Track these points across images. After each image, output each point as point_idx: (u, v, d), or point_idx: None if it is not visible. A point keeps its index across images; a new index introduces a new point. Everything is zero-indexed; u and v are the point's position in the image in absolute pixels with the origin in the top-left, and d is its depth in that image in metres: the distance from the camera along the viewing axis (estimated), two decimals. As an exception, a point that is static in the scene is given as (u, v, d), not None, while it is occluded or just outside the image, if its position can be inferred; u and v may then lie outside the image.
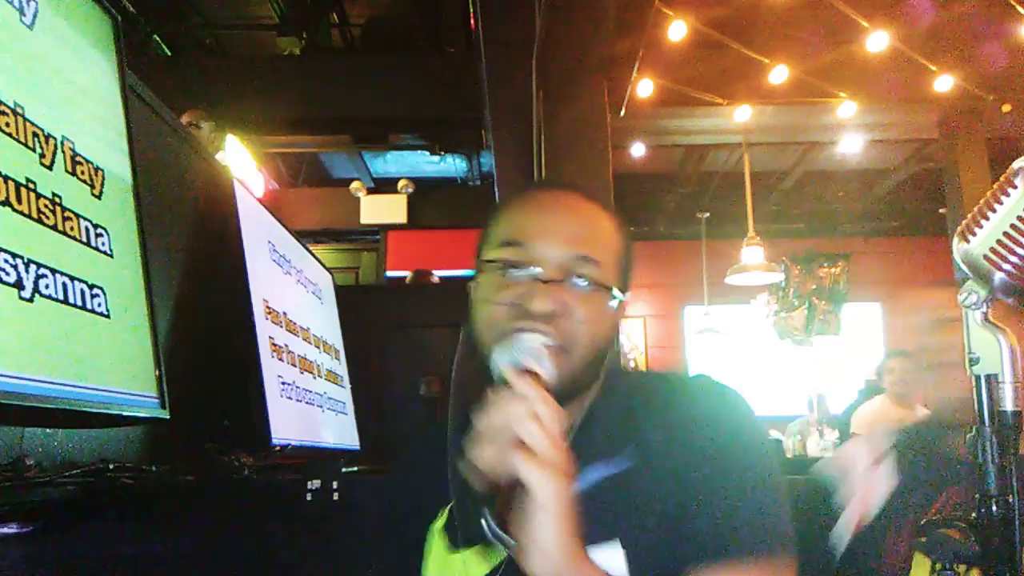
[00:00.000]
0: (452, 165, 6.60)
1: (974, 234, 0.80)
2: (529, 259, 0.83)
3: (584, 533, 0.71)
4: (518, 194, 0.92)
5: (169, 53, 5.23)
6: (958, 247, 0.82)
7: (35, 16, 1.18)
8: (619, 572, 0.77)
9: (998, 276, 0.78)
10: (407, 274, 5.50)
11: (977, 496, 0.77)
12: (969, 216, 0.82)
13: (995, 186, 0.80)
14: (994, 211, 0.78)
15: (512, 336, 0.79)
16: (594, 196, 0.90)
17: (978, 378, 0.80)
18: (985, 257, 0.79)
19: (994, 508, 0.76)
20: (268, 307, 1.99)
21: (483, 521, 0.68)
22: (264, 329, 1.89)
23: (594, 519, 0.76)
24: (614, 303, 0.85)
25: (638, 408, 0.86)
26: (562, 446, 0.69)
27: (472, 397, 0.78)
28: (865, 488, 1.28)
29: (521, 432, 0.68)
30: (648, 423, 0.84)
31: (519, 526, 0.67)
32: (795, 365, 7.23)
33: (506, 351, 0.77)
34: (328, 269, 2.88)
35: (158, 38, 5.07)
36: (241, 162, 4.79)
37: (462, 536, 0.81)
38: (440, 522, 0.86)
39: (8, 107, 1.08)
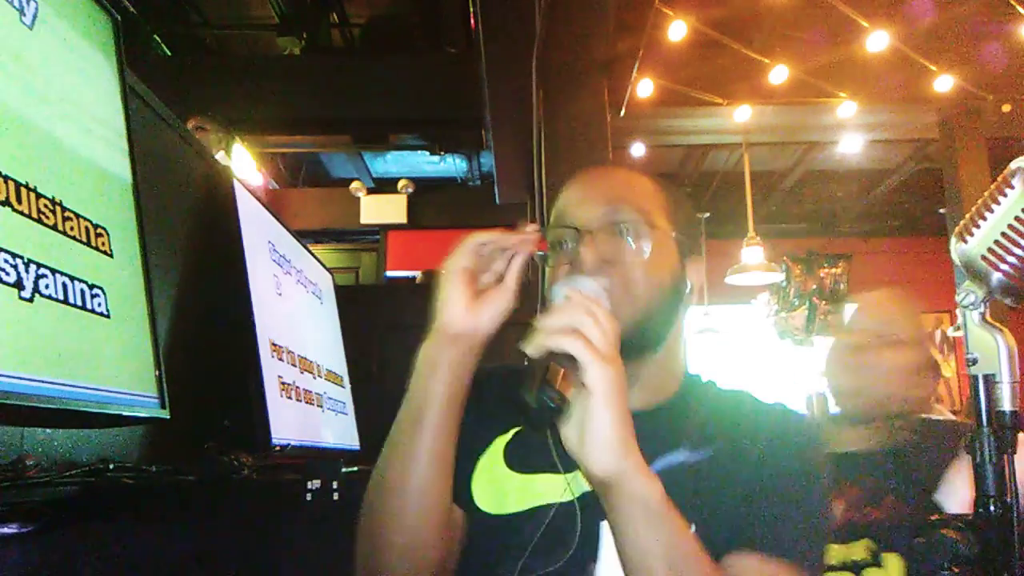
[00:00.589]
0: (452, 165, 6.60)
1: (972, 234, 0.80)
2: (569, 231, 0.87)
3: None
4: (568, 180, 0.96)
5: (169, 53, 5.23)
6: (956, 247, 0.83)
7: (35, 16, 1.18)
8: None
9: (996, 276, 0.79)
10: (407, 274, 5.50)
11: (975, 496, 0.78)
12: (967, 216, 0.82)
13: (992, 187, 0.80)
14: (992, 211, 0.79)
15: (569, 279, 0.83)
16: (624, 165, 0.96)
17: (975, 378, 0.80)
18: (983, 257, 0.79)
19: (992, 508, 0.76)
20: (268, 307, 1.99)
21: (540, 393, 0.68)
22: (264, 329, 1.89)
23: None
24: (668, 249, 0.89)
25: (727, 409, 0.91)
26: (616, 347, 0.71)
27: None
28: None
29: (580, 325, 0.70)
30: (734, 425, 0.88)
31: (574, 406, 0.70)
32: (795, 365, 7.23)
33: (564, 284, 0.81)
34: (328, 269, 2.88)
35: (158, 38, 5.07)
36: (241, 162, 4.79)
37: (525, 461, 0.86)
38: (502, 442, 0.90)
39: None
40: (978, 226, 0.79)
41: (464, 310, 0.79)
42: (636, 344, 0.84)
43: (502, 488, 0.89)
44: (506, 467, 0.90)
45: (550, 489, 0.86)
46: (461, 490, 0.87)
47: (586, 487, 0.82)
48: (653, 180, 0.95)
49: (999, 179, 0.80)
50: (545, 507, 0.85)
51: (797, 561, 0.79)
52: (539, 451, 0.88)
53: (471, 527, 0.89)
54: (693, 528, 0.79)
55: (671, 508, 0.72)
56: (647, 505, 0.70)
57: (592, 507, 0.80)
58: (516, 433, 0.92)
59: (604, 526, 0.81)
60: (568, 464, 0.82)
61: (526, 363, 0.71)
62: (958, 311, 0.84)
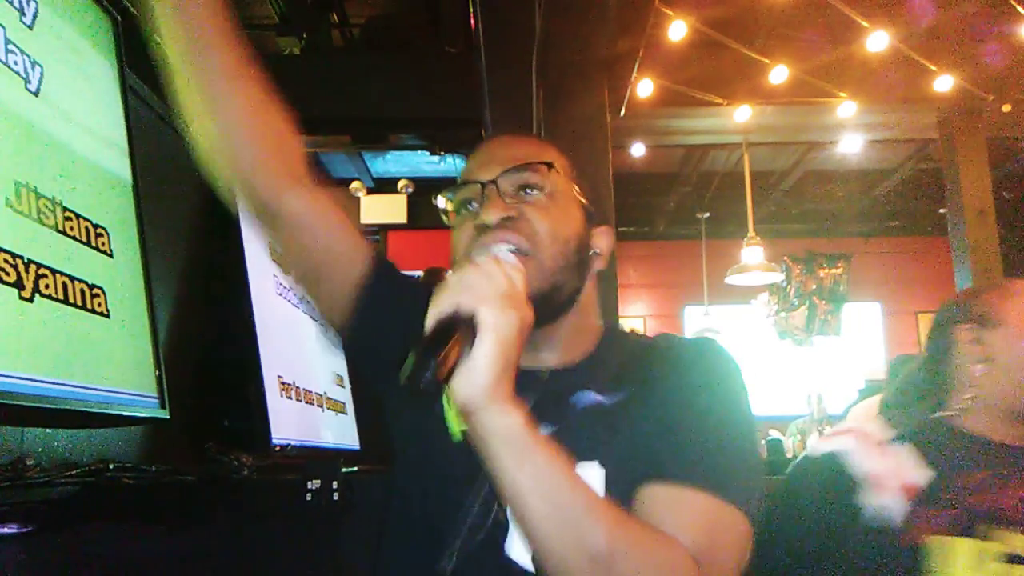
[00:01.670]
0: (452, 165, 6.60)
1: None
2: (474, 188, 0.89)
3: (569, 449, 0.73)
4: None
5: (169, 53, 5.22)
6: None
7: (35, 16, 1.18)
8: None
9: None
10: (407, 274, 5.49)
11: None
12: None
13: None
14: None
15: (479, 246, 0.84)
16: (529, 133, 0.98)
17: None
18: None
19: None
20: (268, 307, 1.99)
21: (417, 371, 0.65)
22: (264, 327, 1.89)
23: (579, 438, 0.80)
24: (572, 203, 0.91)
25: (643, 352, 0.91)
26: (520, 293, 0.72)
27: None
28: (895, 464, 1.25)
29: (481, 279, 0.70)
30: (648, 366, 0.88)
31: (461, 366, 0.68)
32: (795, 365, 7.23)
33: (475, 253, 0.82)
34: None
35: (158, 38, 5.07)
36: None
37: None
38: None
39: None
40: None
41: None
42: (548, 303, 0.85)
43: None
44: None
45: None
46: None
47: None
48: (557, 148, 0.95)
49: None
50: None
51: (714, 489, 0.76)
52: None
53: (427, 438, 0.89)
54: (605, 470, 0.79)
55: (539, 440, 0.70)
56: (508, 436, 0.68)
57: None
58: None
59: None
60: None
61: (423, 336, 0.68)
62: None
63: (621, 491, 0.77)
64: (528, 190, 0.88)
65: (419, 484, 0.91)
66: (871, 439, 1.29)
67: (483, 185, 0.87)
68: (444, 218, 0.94)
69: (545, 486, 0.68)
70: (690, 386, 0.84)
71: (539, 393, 0.84)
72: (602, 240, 0.95)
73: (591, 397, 0.85)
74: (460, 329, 0.68)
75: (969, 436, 1.27)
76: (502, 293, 0.70)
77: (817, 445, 1.38)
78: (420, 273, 5.34)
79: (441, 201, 0.93)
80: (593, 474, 0.80)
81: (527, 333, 0.71)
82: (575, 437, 0.79)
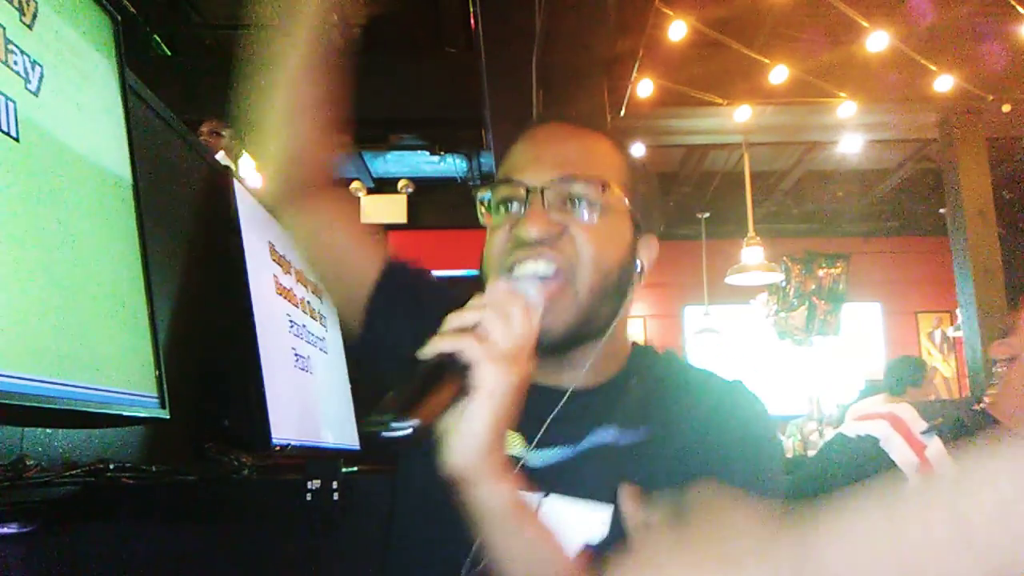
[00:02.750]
0: (452, 165, 6.60)
1: None
2: (518, 190, 0.80)
3: (576, 482, 0.72)
4: (523, 130, 0.88)
5: (169, 53, 5.23)
6: None
7: (35, 16, 1.18)
8: (579, 529, 0.76)
9: None
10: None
11: None
12: None
13: None
14: None
15: (509, 268, 0.77)
16: (590, 123, 0.88)
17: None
18: None
19: None
20: (268, 306, 1.99)
21: (386, 419, 0.61)
22: (264, 327, 1.89)
23: (588, 475, 0.77)
24: (621, 224, 0.82)
25: (668, 389, 0.84)
26: (525, 349, 0.67)
27: None
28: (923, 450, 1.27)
29: (485, 323, 0.65)
30: (675, 407, 0.82)
31: (451, 417, 0.64)
32: (795, 365, 7.23)
33: (506, 278, 0.74)
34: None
35: (158, 38, 5.07)
36: (240, 162, 4.79)
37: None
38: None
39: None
40: None
41: None
42: (580, 333, 0.79)
43: None
44: None
45: None
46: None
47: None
48: (615, 144, 0.87)
49: None
50: None
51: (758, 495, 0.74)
52: None
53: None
54: (612, 510, 0.76)
55: (526, 516, 0.68)
56: (496, 511, 0.66)
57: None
58: None
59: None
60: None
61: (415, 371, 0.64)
62: None
63: (623, 538, 0.75)
64: (578, 203, 0.79)
65: (418, 515, 0.87)
66: (903, 427, 1.30)
67: (528, 190, 0.79)
68: (480, 217, 0.84)
69: (531, 559, 0.67)
70: (717, 439, 0.78)
71: (557, 413, 0.80)
72: (647, 252, 0.87)
73: (607, 434, 0.80)
74: (453, 376, 0.63)
75: (999, 424, 1.31)
76: (513, 347, 0.65)
77: (852, 425, 1.39)
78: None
79: (480, 197, 0.83)
80: (599, 516, 0.77)
81: (523, 390, 0.67)
82: (584, 472, 0.77)
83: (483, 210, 0.83)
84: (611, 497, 0.76)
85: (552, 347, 0.78)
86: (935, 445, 1.27)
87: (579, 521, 0.75)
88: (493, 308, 0.67)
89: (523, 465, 0.78)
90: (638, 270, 0.87)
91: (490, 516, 0.67)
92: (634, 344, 0.92)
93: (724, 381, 0.86)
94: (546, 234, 0.77)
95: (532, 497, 0.73)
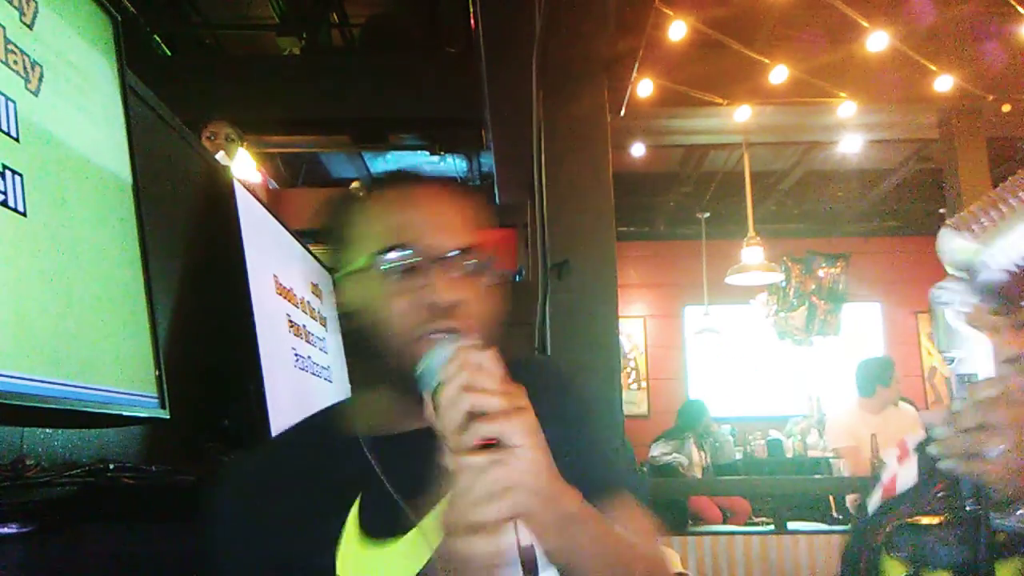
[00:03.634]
0: (452, 165, 6.60)
1: (974, 231, 0.79)
2: (421, 258, 0.83)
3: None
4: (366, 198, 0.90)
5: (169, 53, 5.23)
6: (954, 240, 0.80)
7: (35, 16, 1.18)
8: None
9: (993, 276, 0.77)
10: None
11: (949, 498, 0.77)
12: (976, 208, 0.80)
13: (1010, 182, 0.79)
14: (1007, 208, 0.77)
15: (428, 346, 0.79)
16: (440, 182, 0.93)
17: (957, 377, 0.79)
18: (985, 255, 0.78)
19: (967, 508, 0.76)
20: (268, 306, 1.99)
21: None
22: (264, 327, 1.89)
23: None
24: (497, 277, 0.89)
25: (537, 391, 0.87)
26: (511, 386, 0.72)
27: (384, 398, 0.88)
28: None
29: (474, 402, 0.69)
30: (543, 403, 0.83)
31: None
32: (795, 365, 7.22)
33: (431, 362, 0.76)
34: (328, 269, 2.88)
35: (158, 38, 5.07)
36: (241, 162, 4.79)
37: (387, 526, 0.82)
38: (352, 515, 0.84)
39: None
40: (989, 222, 0.78)
41: None
42: None
43: (366, 568, 0.83)
44: (365, 539, 0.84)
45: (411, 555, 0.81)
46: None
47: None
48: (470, 196, 0.92)
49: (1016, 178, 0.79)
50: None
51: (632, 489, 0.89)
52: (391, 512, 0.83)
53: None
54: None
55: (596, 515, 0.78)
56: (582, 520, 0.75)
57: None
58: (363, 498, 0.85)
59: None
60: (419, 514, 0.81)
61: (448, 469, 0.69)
62: (942, 309, 0.83)
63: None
64: (472, 271, 0.85)
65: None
66: (903, 447, 1.29)
67: (431, 259, 0.82)
68: (371, 283, 0.84)
69: (606, 550, 0.77)
70: (574, 411, 0.93)
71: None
72: (504, 280, 0.95)
73: None
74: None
75: None
76: (504, 401, 0.70)
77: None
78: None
79: (382, 265, 0.83)
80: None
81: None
82: None
83: (377, 276, 0.83)
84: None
85: None
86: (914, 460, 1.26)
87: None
88: (459, 381, 0.71)
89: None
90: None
91: (580, 526, 0.74)
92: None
93: (542, 361, 1.00)
94: (457, 299, 0.82)
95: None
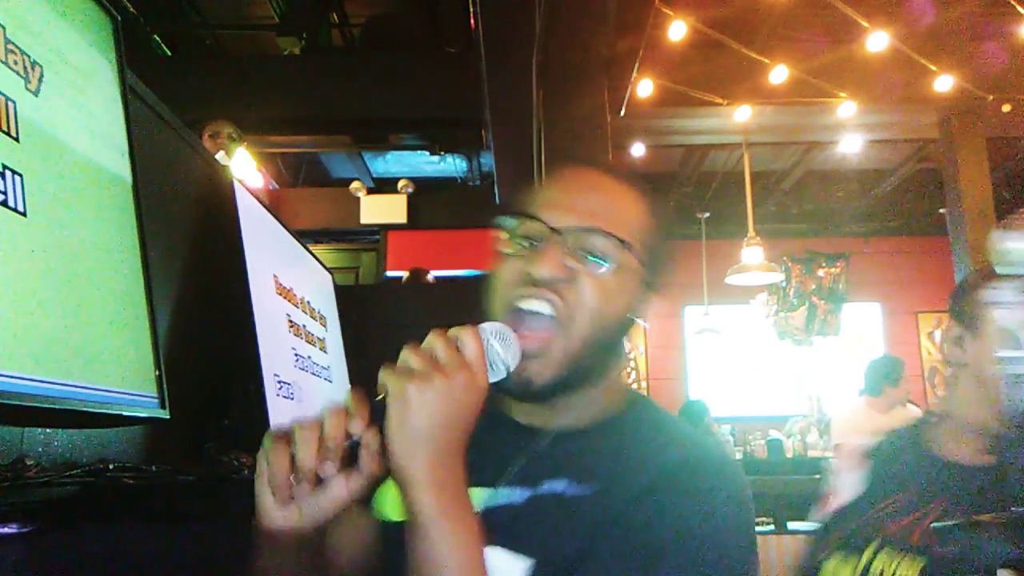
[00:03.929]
0: (452, 165, 6.60)
1: None
2: (541, 228, 0.80)
3: (503, 535, 0.73)
4: (563, 167, 0.90)
5: (169, 53, 5.23)
6: (1009, 240, 0.78)
7: (35, 16, 1.18)
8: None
9: None
10: (405, 274, 5.51)
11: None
12: None
13: None
14: None
15: (512, 301, 0.80)
16: (622, 174, 0.87)
17: (1011, 377, 0.77)
18: None
19: (1014, 509, 0.75)
20: (268, 306, 1.99)
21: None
22: (264, 327, 1.89)
23: (520, 526, 0.76)
24: (631, 283, 0.82)
25: (643, 442, 0.82)
26: (464, 360, 0.70)
27: None
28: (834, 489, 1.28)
29: (424, 350, 0.71)
30: (632, 460, 0.80)
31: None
32: (795, 365, 7.22)
33: (486, 329, 0.76)
34: (328, 269, 2.88)
35: (158, 38, 5.07)
36: (241, 162, 4.79)
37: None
38: None
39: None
40: None
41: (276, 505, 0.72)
42: (565, 381, 0.79)
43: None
44: None
45: None
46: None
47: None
48: (645, 202, 0.86)
49: None
50: None
51: None
52: None
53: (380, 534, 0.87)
54: (530, 562, 0.75)
55: (454, 524, 0.68)
56: (413, 519, 0.69)
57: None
58: None
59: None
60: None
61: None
62: (995, 309, 0.81)
63: None
64: (593, 254, 0.80)
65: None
66: (853, 455, 1.28)
67: (551, 231, 0.79)
68: (498, 243, 0.84)
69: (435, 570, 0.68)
70: (669, 497, 0.74)
71: (533, 454, 0.82)
72: (644, 312, 0.87)
73: (558, 484, 0.79)
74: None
75: (929, 455, 1.23)
76: (442, 354, 0.70)
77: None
78: (405, 274, 5.35)
79: (503, 225, 0.84)
80: (518, 567, 0.75)
81: (464, 411, 0.70)
82: (519, 521, 0.77)
83: (503, 237, 0.84)
84: (534, 551, 0.75)
85: (536, 393, 0.79)
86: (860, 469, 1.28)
87: (496, 570, 0.73)
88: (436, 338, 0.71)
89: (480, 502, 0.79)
90: (637, 321, 0.86)
91: (412, 521, 0.69)
92: (631, 394, 0.90)
93: (699, 440, 0.82)
94: (556, 277, 0.78)
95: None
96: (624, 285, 0.81)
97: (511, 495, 0.80)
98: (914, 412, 4.18)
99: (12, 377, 0.97)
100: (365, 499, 0.80)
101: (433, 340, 0.71)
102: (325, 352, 2.53)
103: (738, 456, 6.00)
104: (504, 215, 0.84)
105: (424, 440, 0.68)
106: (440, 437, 0.68)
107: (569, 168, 0.89)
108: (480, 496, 0.79)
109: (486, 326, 0.76)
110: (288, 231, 2.40)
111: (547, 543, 0.75)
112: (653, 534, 0.72)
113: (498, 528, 0.75)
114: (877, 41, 3.73)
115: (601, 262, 0.79)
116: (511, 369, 0.76)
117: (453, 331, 0.73)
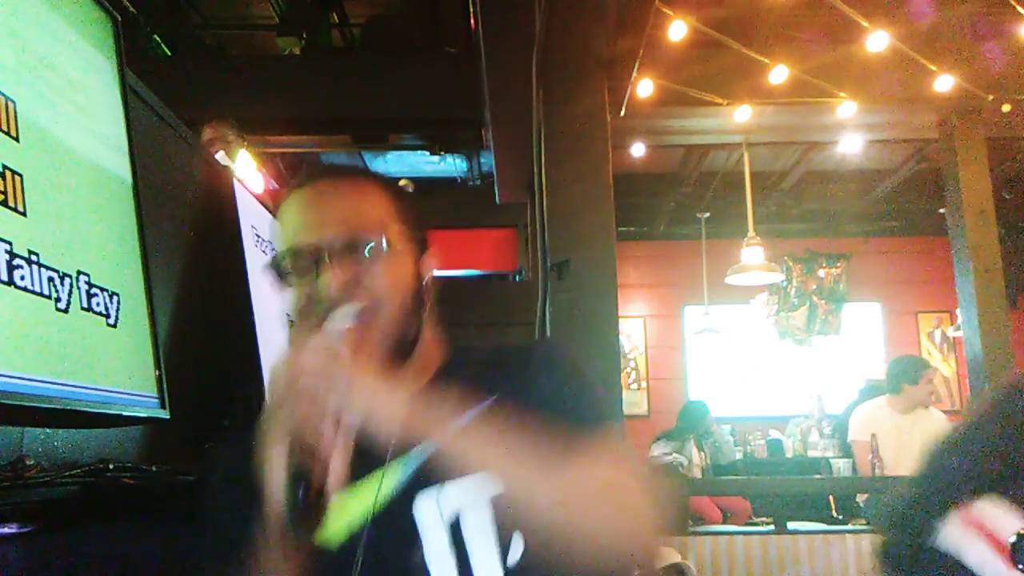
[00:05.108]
0: (452, 165, 6.60)
1: None
2: (305, 255, 0.88)
3: (454, 465, 0.77)
4: (285, 196, 0.96)
5: (169, 53, 5.23)
6: None
7: (35, 16, 1.18)
8: (476, 500, 0.83)
9: None
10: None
11: None
12: None
13: None
14: None
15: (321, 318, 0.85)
16: (337, 172, 0.97)
17: None
18: None
19: None
20: (268, 306, 1.99)
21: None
22: (264, 327, 1.89)
23: (467, 453, 0.80)
24: (406, 254, 0.93)
25: (493, 363, 0.95)
26: (354, 356, 0.76)
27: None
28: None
29: (316, 373, 0.74)
30: (503, 373, 0.92)
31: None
32: (795, 365, 7.22)
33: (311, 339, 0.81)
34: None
35: (158, 38, 5.07)
36: (241, 162, 4.79)
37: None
38: None
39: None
40: None
41: None
42: (401, 349, 0.90)
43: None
44: None
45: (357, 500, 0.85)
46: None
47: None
48: (375, 184, 0.97)
49: None
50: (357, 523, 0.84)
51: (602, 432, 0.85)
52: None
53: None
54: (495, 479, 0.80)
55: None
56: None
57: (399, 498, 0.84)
58: None
59: (418, 508, 0.84)
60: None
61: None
62: None
63: (516, 498, 0.79)
64: (363, 253, 0.88)
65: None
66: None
67: (315, 254, 0.87)
68: (280, 282, 0.92)
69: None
70: (552, 391, 0.90)
71: (399, 416, 0.83)
72: (430, 263, 0.98)
73: (465, 415, 0.83)
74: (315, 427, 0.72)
75: None
76: (341, 364, 0.74)
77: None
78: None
79: (276, 265, 0.91)
80: (479, 487, 0.83)
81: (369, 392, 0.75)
82: (463, 453, 0.80)
83: (281, 275, 0.91)
84: (493, 460, 0.80)
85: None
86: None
87: (467, 491, 0.83)
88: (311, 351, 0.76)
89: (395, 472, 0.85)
90: (426, 282, 0.97)
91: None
92: (452, 347, 1.02)
93: (540, 345, 1.02)
94: (343, 288, 0.86)
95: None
96: (398, 259, 0.92)
97: (422, 450, 0.83)
98: (937, 416, 4.13)
99: (12, 377, 0.97)
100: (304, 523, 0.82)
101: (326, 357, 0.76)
102: (325, 352, 2.53)
103: (738, 456, 6.00)
104: (273, 259, 0.91)
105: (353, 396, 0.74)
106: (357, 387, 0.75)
107: (298, 190, 0.95)
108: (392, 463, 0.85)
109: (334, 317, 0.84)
110: (288, 231, 2.40)
111: (499, 450, 0.80)
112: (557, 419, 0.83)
113: (443, 468, 0.79)
114: (877, 41, 3.72)
115: (370, 255, 0.89)
116: None
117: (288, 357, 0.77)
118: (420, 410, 0.81)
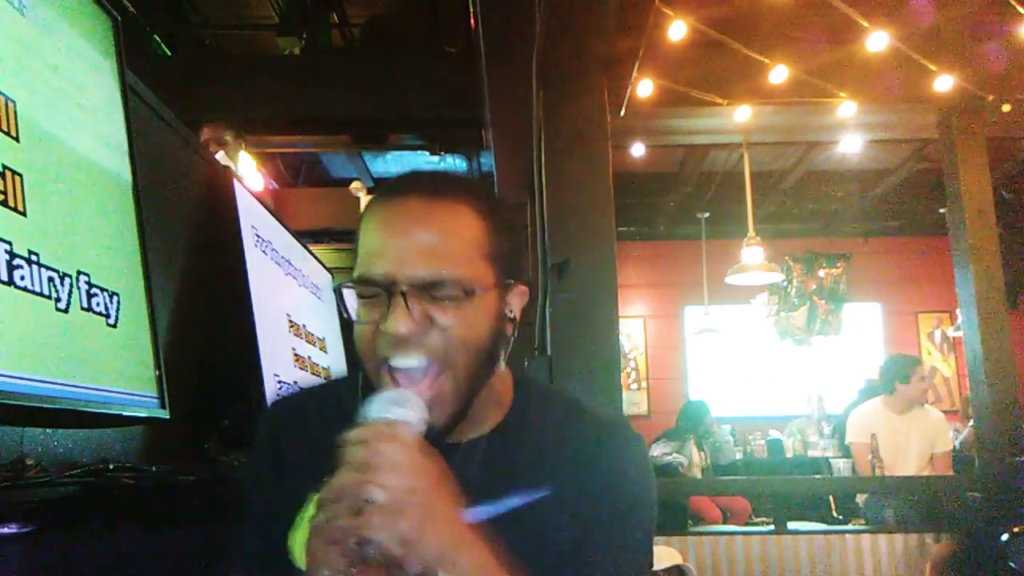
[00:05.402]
0: (452, 165, 6.60)
1: None
2: (383, 283, 0.78)
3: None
4: (372, 203, 0.85)
5: (169, 53, 5.23)
6: None
7: (35, 16, 1.18)
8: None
9: None
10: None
11: None
12: None
13: None
14: None
15: (382, 382, 0.79)
16: (445, 185, 0.84)
17: None
18: None
19: None
20: (268, 306, 1.99)
21: None
22: (264, 327, 1.89)
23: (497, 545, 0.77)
24: (490, 299, 0.81)
25: (550, 436, 0.88)
26: (410, 477, 0.68)
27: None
28: None
29: (364, 493, 0.66)
30: (559, 455, 0.86)
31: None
32: (795, 365, 7.22)
33: (372, 405, 0.75)
34: (328, 269, 2.88)
35: (158, 38, 5.07)
36: (241, 162, 4.79)
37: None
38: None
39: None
40: None
41: None
42: (464, 410, 0.82)
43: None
44: None
45: None
46: (282, 555, 0.87)
47: None
48: (475, 207, 0.82)
49: None
50: None
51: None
52: None
53: None
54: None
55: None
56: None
57: None
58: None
59: None
60: None
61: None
62: None
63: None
64: (443, 298, 0.78)
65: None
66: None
67: (389, 286, 0.77)
68: (343, 311, 0.83)
69: None
70: (607, 492, 0.85)
71: (460, 468, 0.80)
72: (518, 300, 0.87)
73: (508, 502, 0.83)
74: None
75: None
76: (394, 492, 0.67)
77: None
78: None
79: (342, 295, 0.82)
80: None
81: (426, 487, 0.69)
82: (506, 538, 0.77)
83: (347, 305, 0.82)
84: (523, 558, 0.77)
85: (441, 433, 0.80)
86: None
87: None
88: (352, 479, 0.68)
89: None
90: (509, 317, 0.86)
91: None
92: (516, 382, 0.93)
93: (602, 423, 0.90)
94: (414, 331, 0.77)
95: None
96: (482, 303, 0.81)
97: (478, 513, 0.80)
98: (934, 415, 4.13)
99: (12, 377, 0.97)
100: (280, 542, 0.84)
101: (378, 475, 0.68)
102: (325, 352, 2.53)
103: (738, 456, 6.00)
104: (341, 284, 0.83)
105: (422, 537, 0.68)
106: (428, 527, 0.68)
107: (386, 201, 0.83)
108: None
109: (382, 399, 0.76)
110: (288, 231, 2.40)
111: (529, 550, 0.78)
112: (580, 528, 0.82)
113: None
114: (877, 41, 3.72)
115: (452, 301, 0.78)
116: (426, 420, 0.76)
117: (354, 437, 0.70)
118: (467, 463, 0.81)
